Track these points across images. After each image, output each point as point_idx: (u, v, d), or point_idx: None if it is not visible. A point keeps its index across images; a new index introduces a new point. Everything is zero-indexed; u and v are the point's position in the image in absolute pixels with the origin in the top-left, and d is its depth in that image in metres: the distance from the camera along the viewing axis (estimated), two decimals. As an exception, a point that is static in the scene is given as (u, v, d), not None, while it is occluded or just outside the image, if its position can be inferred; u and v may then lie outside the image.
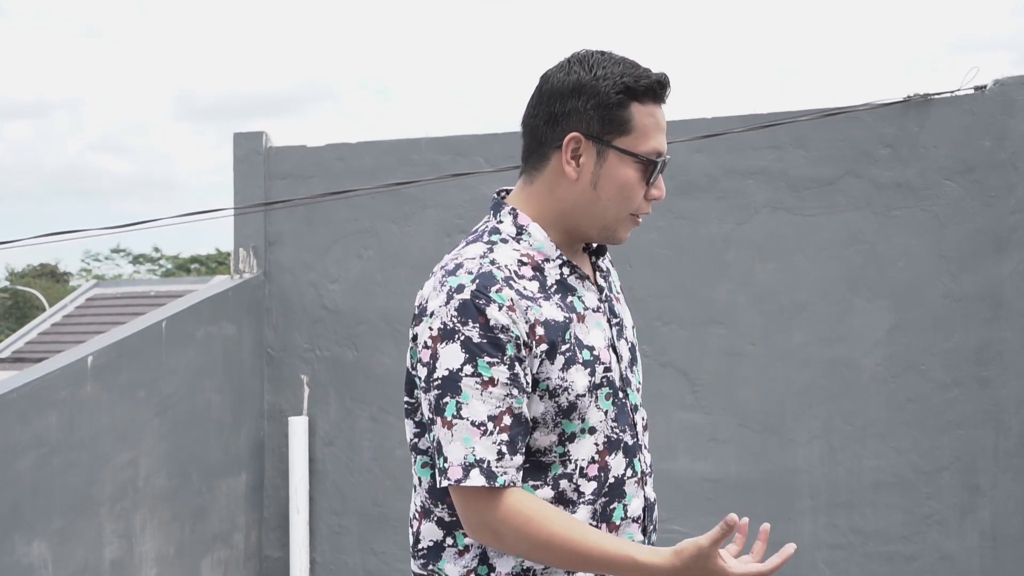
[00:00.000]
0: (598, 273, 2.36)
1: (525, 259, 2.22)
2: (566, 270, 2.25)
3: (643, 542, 2.28)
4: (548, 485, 2.19)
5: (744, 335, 5.35)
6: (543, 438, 2.19)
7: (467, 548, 2.22)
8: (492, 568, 2.21)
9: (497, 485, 2.10)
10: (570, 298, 2.23)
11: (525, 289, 2.17)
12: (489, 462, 2.10)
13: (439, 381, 2.12)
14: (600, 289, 2.32)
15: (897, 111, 5.10)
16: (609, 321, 2.29)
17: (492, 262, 2.17)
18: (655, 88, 2.22)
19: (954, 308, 5.05)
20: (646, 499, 2.30)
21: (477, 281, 2.12)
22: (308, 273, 6.17)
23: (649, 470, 2.34)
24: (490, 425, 2.10)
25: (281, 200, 6.12)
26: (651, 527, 2.33)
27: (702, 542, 2.04)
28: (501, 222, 2.27)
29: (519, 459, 2.13)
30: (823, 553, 5.25)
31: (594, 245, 2.36)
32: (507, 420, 2.11)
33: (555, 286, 2.23)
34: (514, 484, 2.11)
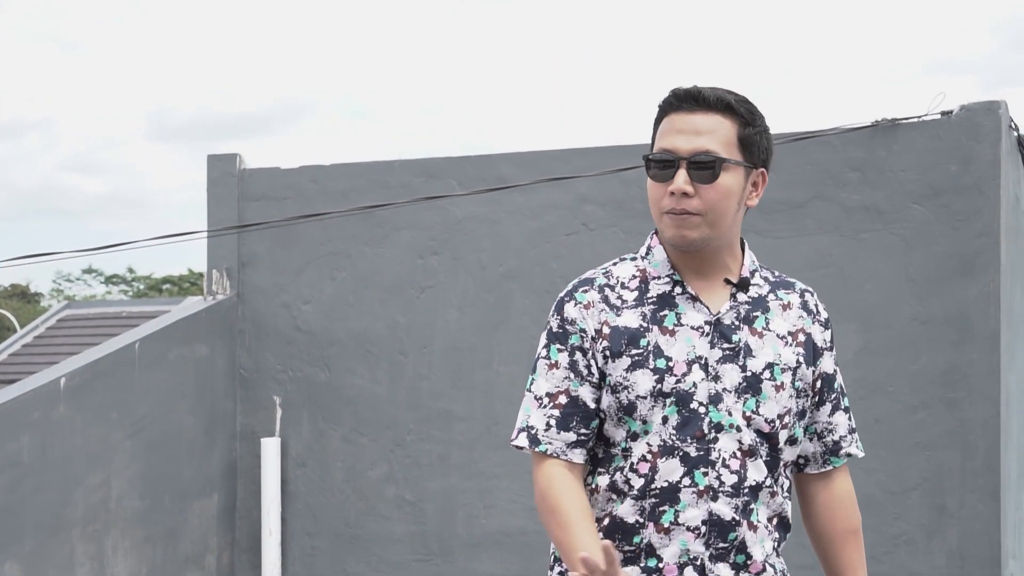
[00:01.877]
0: (732, 303, 2.50)
1: (638, 274, 2.53)
2: (677, 289, 2.50)
3: (707, 554, 2.44)
4: (608, 474, 2.48)
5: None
6: (613, 431, 2.48)
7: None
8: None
9: (538, 451, 2.48)
10: (665, 311, 2.48)
11: (619, 297, 2.50)
12: (537, 430, 2.49)
13: (534, 360, 2.56)
14: (713, 313, 2.49)
15: (865, 135, 5.17)
16: (712, 342, 2.46)
17: (605, 272, 2.55)
18: (672, 99, 2.48)
19: (921, 331, 5.10)
20: (712, 514, 2.43)
21: (574, 284, 2.54)
22: (281, 294, 6.19)
23: (732, 490, 2.45)
24: (546, 400, 2.49)
25: (255, 223, 6.14)
26: (723, 544, 2.44)
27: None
28: (647, 243, 2.58)
29: (569, 436, 2.47)
30: (793, 573, 5.29)
31: (736, 279, 2.52)
32: (562, 399, 2.48)
33: (655, 299, 2.50)
34: (559, 456, 2.47)
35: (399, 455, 5.94)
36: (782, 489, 2.55)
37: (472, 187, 5.77)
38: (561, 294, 2.54)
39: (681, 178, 2.42)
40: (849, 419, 2.66)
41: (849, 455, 2.66)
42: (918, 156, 5.10)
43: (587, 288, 2.51)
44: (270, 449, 6.09)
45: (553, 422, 2.47)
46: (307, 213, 6.02)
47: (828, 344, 2.61)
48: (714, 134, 2.44)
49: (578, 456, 2.48)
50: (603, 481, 2.48)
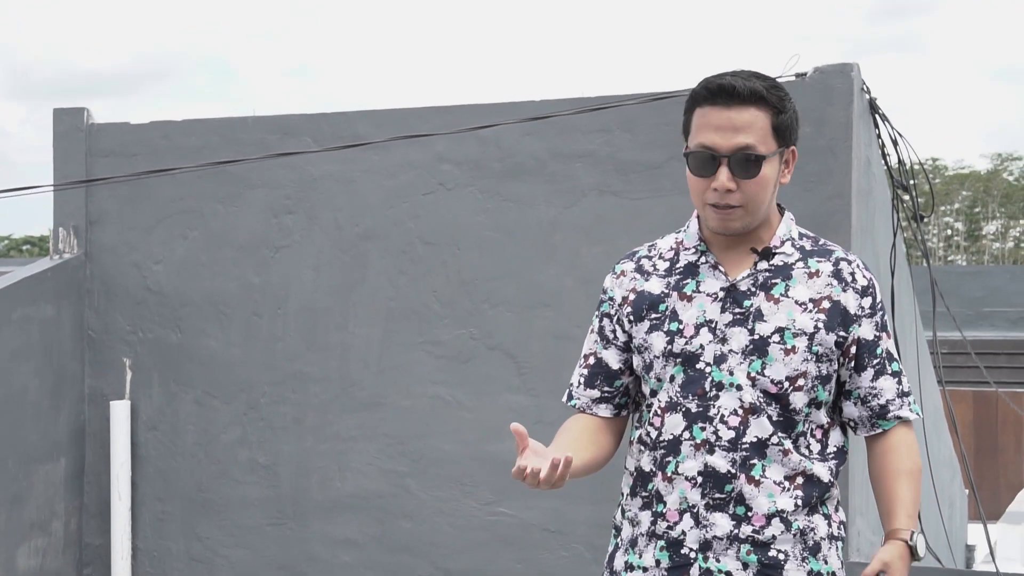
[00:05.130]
0: (751, 271, 2.69)
1: (675, 245, 2.78)
2: (703, 258, 2.71)
3: (703, 503, 2.64)
4: (641, 428, 2.77)
5: (571, 318, 5.36)
6: (644, 387, 2.77)
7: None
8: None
9: (570, 405, 2.88)
10: (688, 279, 2.72)
11: (654, 266, 2.77)
12: (572, 386, 2.88)
13: None
14: (730, 280, 2.68)
15: (721, 97, 5.16)
16: (723, 306, 2.66)
17: (651, 245, 2.84)
18: (704, 92, 2.62)
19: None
20: (707, 466, 2.63)
21: (621, 257, 2.85)
22: (131, 254, 6.03)
23: (729, 445, 2.63)
24: (582, 360, 2.86)
25: (102, 178, 5.96)
26: (720, 495, 2.63)
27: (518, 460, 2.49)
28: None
29: (593, 393, 2.82)
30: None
31: (760, 248, 2.71)
32: (591, 360, 2.83)
33: (683, 267, 2.74)
34: (586, 411, 2.83)
35: (253, 418, 5.84)
36: (805, 449, 2.68)
37: (328, 145, 5.66)
38: (612, 266, 2.86)
39: (724, 175, 2.58)
40: (898, 383, 2.75)
41: (899, 418, 2.75)
42: (773, 118, 5.11)
43: (627, 260, 2.83)
44: (119, 412, 5.94)
45: (582, 380, 2.84)
46: (158, 169, 5.86)
47: (866, 311, 2.71)
48: (751, 128, 2.59)
49: (603, 411, 2.82)
50: (636, 434, 2.79)
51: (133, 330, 6.01)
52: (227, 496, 5.88)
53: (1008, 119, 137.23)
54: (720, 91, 2.60)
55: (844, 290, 2.69)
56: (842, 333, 2.67)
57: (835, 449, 2.75)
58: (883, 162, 5.47)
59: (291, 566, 5.78)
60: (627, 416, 2.86)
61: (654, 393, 2.72)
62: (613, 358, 2.80)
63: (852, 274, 2.72)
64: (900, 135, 5.31)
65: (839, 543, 2.74)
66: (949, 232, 79.16)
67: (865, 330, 2.69)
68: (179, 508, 5.96)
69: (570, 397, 2.88)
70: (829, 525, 2.72)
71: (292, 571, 5.77)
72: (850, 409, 2.75)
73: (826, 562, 2.70)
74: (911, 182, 5.42)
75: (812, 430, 2.69)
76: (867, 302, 2.71)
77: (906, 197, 5.44)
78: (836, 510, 2.76)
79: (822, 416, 2.71)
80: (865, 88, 5.11)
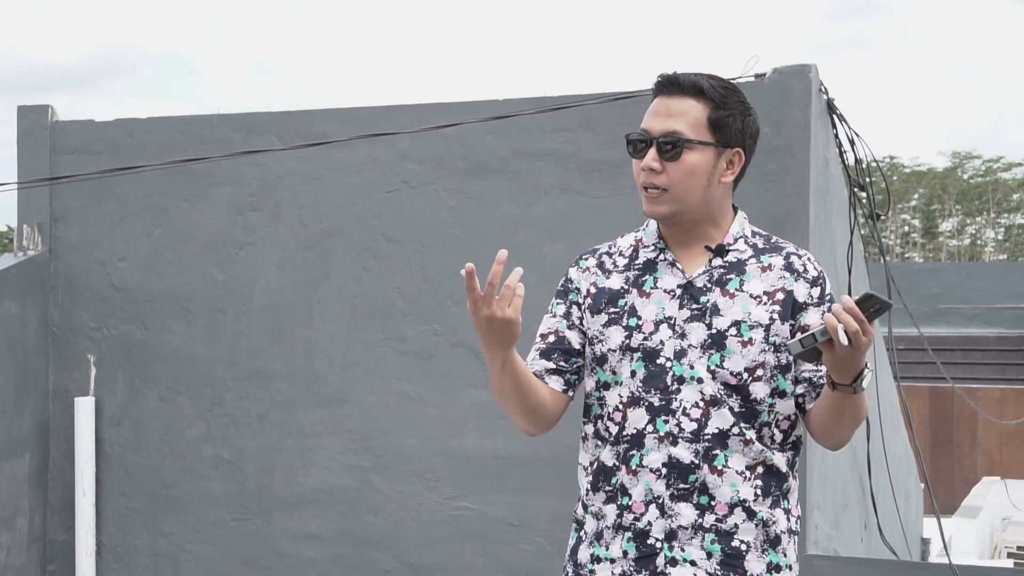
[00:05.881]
0: (707, 267, 2.79)
1: (635, 243, 2.89)
2: (661, 255, 2.83)
3: (667, 494, 2.71)
4: (592, 423, 2.85)
5: (533, 315, 5.40)
6: (588, 380, 2.86)
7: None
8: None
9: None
10: (646, 276, 2.82)
11: (614, 263, 2.88)
12: (531, 357, 2.89)
13: None
14: (687, 277, 2.79)
15: (682, 97, 5.22)
16: (681, 303, 2.77)
17: (611, 244, 2.94)
18: (656, 83, 2.79)
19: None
20: (671, 457, 2.71)
21: (582, 253, 2.95)
22: (95, 251, 6.04)
23: (692, 436, 2.71)
24: (539, 339, 2.90)
25: (67, 175, 5.98)
26: (684, 485, 2.71)
27: (468, 305, 2.65)
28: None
29: (548, 363, 2.86)
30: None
31: (714, 246, 2.81)
32: (551, 338, 2.87)
33: (641, 264, 2.84)
34: (537, 376, 2.85)
35: (217, 414, 5.87)
36: (767, 439, 2.76)
37: (292, 143, 5.70)
38: (572, 261, 2.95)
39: (650, 156, 2.73)
40: None
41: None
42: (732, 118, 5.18)
43: (590, 256, 2.93)
44: (84, 408, 5.95)
45: (538, 353, 2.89)
46: (122, 167, 5.88)
47: (815, 300, 2.79)
48: (684, 116, 2.74)
49: (555, 383, 2.87)
50: (590, 429, 2.85)
51: (97, 326, 6.03)
52: (192, 492, 5.91)
53: (965, 118, 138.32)
54: (666, 82, 2.78)
55: (796, 280, 2.78)
56: (792, 322, 2.76)
57: (795, 439, 2.82)
58: (840, 161, 5.56)
59: (256, 561, 5.81)
60: (570, 399, 2.91)
61: (607, 387, 2.80)
62: (575, 339, 2.86)
63: (803, 266, 2.81)
64: (857, 135, 5.40)
65: (796, 537, 2.83)
66: (906, 229, 79.72)
67: (812, 318, 2.76)
68: (143, 504, 5.99)
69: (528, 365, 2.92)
70: (788, 519, 2.80)
71: (256, 566, 5.81)
72: (798, 390, 2.80)
73: (785, 555, 2.78)
74: (868, 180, 5.51)
75: (778, 420, 2.77)
76: (816, 292, 2.79)
77: (863, 196, 5.53)
78: (796, 505, 2.84)
79: (789, 407, 2.78)
80: (823, 89, 5.20)
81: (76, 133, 6.09)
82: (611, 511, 2.78)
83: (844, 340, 2.47)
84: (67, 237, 6.08)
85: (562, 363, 2.87)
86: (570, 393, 2.91)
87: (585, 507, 2.87)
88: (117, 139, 6.02)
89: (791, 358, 2.75)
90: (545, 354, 2.88)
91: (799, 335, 2.63)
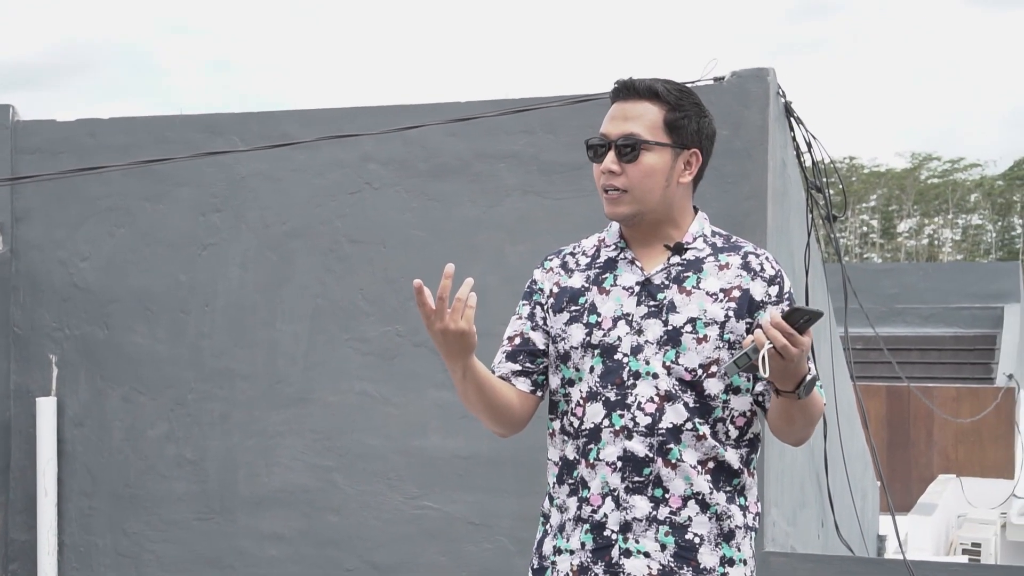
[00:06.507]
0: (665, 265, 2.85)
1: (598, 244, 2.97)
2: (621, 254, 2.89)
3: (623, 487, 2.78)
4: (559, 419, 2.93)
5: (495, 316, 5.44)
6: (552, 378, 2.94)
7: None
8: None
9: (495, 373, 2.94)
10: (607, 274, 2.89)
11: (577, 263, 2.96)
12: (494, 364, 2.95)
13: None
14: (645, 274, 2.85)
15: (642, 100, 5.28)
16: (639, 299, 2.83)
17: (576, 244, 3.01)
18: (612, 90, 2.88)
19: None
20: (626, 451, 2.78)
21: (547, 254, 3.02)
22: (57, 251, 6.04)
23: (646, 430, 2.77)
24: (505, 342, 2.97)
25: (28, 175, 5.97)
26: (639, 479, 2.77)
27: (423, 319, 2.68)
28: None
29: (514, 366, 2.93)
30: (569, 525, 5.42)
31: (672, 244, 2.88)
32: (517, 340, 2.94)
33: (603, 262, 2.92)
34: (504, 378, 2.93)
35: (180, 414, 5.88)
36: (721, 435, 2.81)
37: (255, 144, 5.72)
38: (538, 263, 3.03)
39: (608, 159, 2.83)
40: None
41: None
42: (692, 121, 5.23)
43: (553, 257, 3.01)
44: (46, 408, 5.95)
45: (504, 356, 2.95)
46: (84, 167, 5.88)
47: (772, 299, 2.84)
48: (640, 119, 2.83)
49: (522, 384, 2.94)
50: (556, 425, 2.94)
51: (59, 327, 6.03)
52: (154, 491, 5.92)
53: (923, 119, 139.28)
54: (622, 87, 2.87)
55: (753, 279, 2.85)
56: (748, 320, 2.82)
57: (752, 436, 2.88)
58: (798, 164, 5.63)
59: (219, 560, 5.83)
60: (540, 399, 2.98)
61: (571, 383, 2.87)
62: (540, 340, 2.93)
63: (761, 264, 2.87)
64: (814, 137, 5.48)
65: (753, 533, 2.88)
66: (865, 230, 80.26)
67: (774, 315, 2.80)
68: (106, 504, 5.99)
69: (494, 369, 2.97)
70: (745, 515, 2.85)
71: (219, 565, 5.83)
72: (757, 388, 2.85)
73: (739, 549, 2.84)
74: (825, 180, 5.59)
75: (733, 417, 2.82)
76: (774, 290, 2.85)
77: (820, 198, 5.60)
78: (755, 502, 2.90)
79: (745, 404, 2.84)
80: (781, 92, 5.27)
81: (38, 133, 6.09)
82: (573, 503, 2.86)
83: (765, 373, 2.55)
84: (29, 237, 6.08)
85: (528, 364, 2.94)
86: (539, 393, 2.97)
87: (551, 500, 2.96)
88: (79, 139, 6.02)
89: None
90: (511, 356, 2.95)
91: (733, 355, 2.72)
